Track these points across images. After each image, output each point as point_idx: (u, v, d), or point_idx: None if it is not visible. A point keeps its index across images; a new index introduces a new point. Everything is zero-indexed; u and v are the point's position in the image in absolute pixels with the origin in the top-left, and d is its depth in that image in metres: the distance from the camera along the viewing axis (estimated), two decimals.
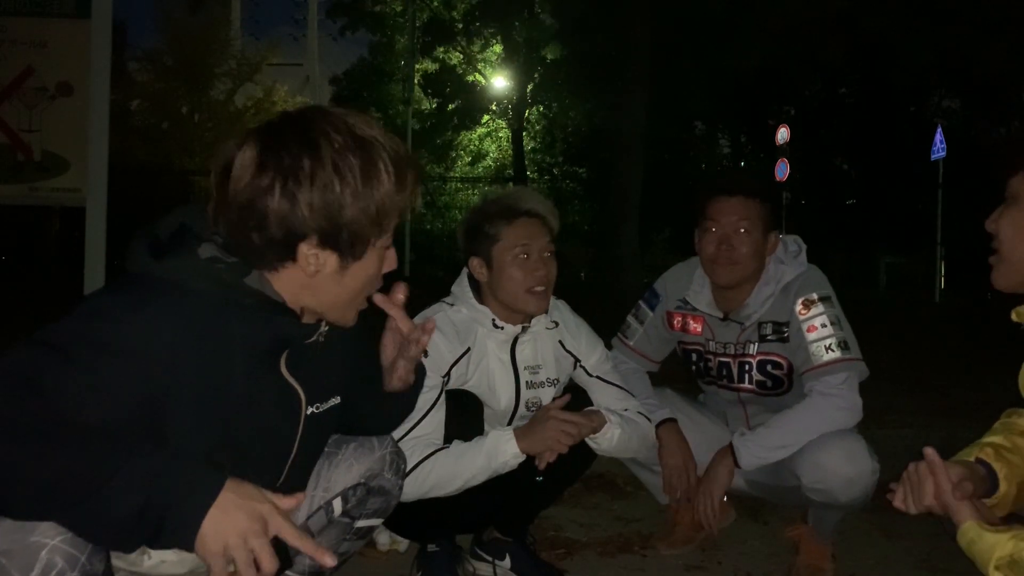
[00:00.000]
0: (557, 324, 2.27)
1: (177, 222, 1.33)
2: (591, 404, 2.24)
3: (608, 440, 2.13)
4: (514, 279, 2.12)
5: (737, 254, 2.30)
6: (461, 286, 2.23)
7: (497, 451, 1.99)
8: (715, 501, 2.29)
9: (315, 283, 1.32)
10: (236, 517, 1.10)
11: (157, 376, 1.19)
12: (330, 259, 1.30)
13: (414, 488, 1.91)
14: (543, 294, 2.14)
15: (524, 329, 2.20)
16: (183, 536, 1.09)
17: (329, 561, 1.16)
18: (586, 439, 2.10)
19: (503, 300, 2.15)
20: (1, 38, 4.66)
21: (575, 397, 2.19)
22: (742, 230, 2.30)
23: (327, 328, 1.40)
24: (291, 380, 1.38)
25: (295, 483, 1.18)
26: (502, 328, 2.17)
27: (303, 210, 1.24)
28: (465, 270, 2.24)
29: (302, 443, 1.44)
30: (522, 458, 2.01)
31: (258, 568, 1.11)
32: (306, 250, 1.28)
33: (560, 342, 2.28)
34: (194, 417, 1.25)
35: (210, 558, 1.09)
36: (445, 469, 1.97)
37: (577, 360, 2.30)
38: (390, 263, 1.39)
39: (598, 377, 2.31)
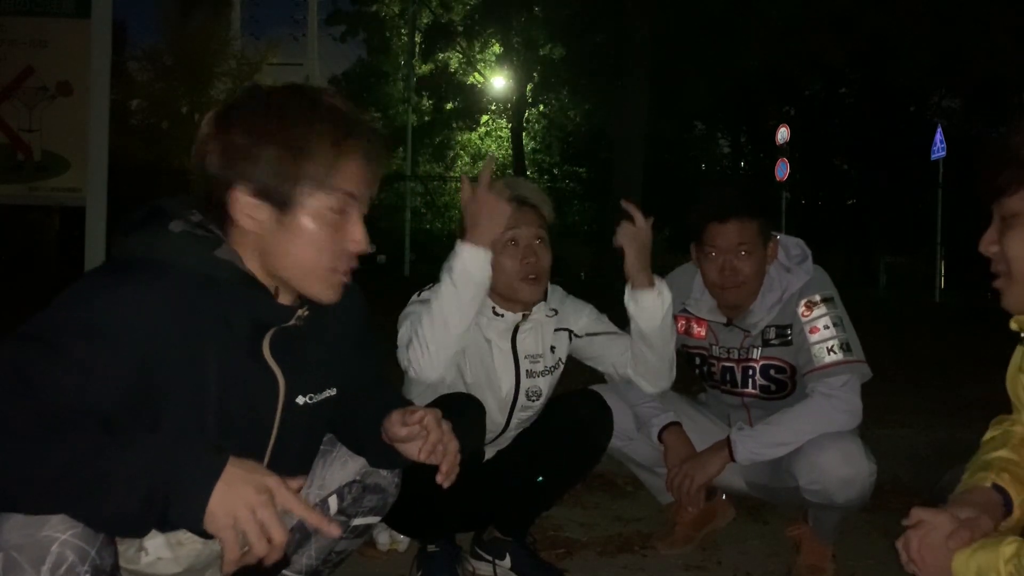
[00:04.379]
0: (556, 312, 2.28)
1: (150, 205, 1.34)
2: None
3: (653, 310, 2.13)
4: (506, 268, 2.12)
5: (742, 276, 2.29)
6: None
7: (461, 269, 1.96)
8: (694, 483, 2.28)
9: (265, 244, 1.32)
10: (243, 490, 1.10)
11: (139, 353, 1.20)
12: (264, 212, 1.29)
13: (427, 333, 1.97)
14: (536, 281, 2.15)
15: (525, 317, 2.20)
16: (191, 514, 1.09)
17: (335, 531, 1.17)
18: (627, 302, 2.13)
19: (499, 289, 2.15)
20: (1, 38, 4.66)
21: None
22: (743, 253, 2.28)
23: (307, 311, 1.39)
24: (272, 364, 1.37)
25: (282, 475, 1.18)
26: (502, 316, 2.18)
27: (231, 155, 1.27)
28: None
29: (282, 431, 1.42)
30: (485, 257, 1.95)
31: (269, 541, 1.11)
32: (237, 199, 1.28)
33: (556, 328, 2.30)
34: (180, 395, 1.25)
35: (220, 533, 1.10)
36: (431, 320, 1.98)
37: (570, 332, 2.31)
38: (355, 240, 1.35)
39: (592, 334, 2.31)
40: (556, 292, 2.32)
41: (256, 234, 1.31)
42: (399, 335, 2.08)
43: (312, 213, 1.30)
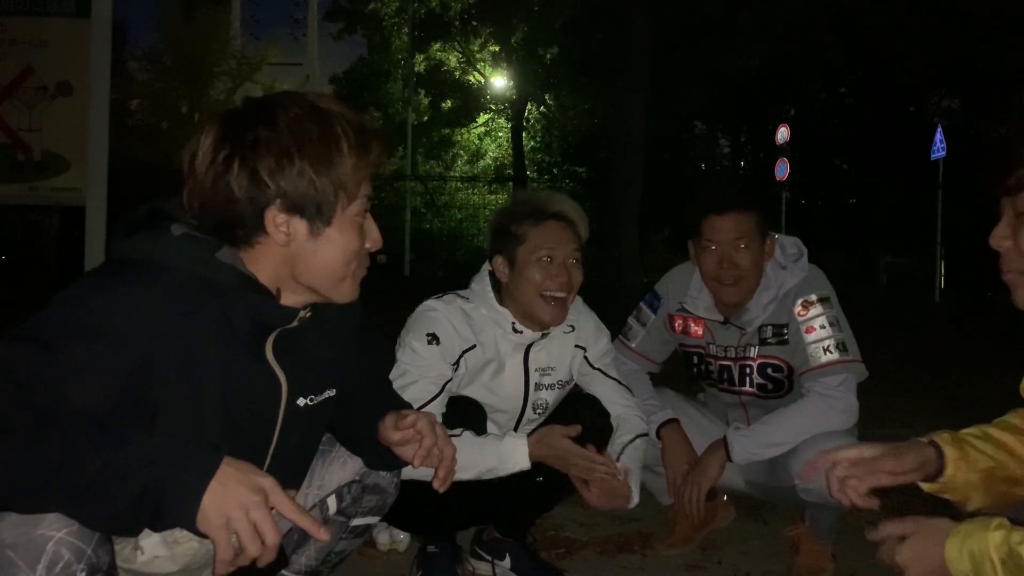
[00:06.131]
0: (574, 328, 2.26)
1: (150, 207, 1.34)
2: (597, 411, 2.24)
3: (634, 501, 2.16)
4: (532, 281, 2.09)
5: (741, 270, 2.29)
6: (482, 284, 2.20)
7: (509, 457, 1.98)
8: (701, 491, 2.28)
9: (292, 254, 1.32)
10: (237, 491, 1.10)
11: (136, 355, 1.20)
12: (299, 226, 1.31)
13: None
14: (561, 302, 2.11)
15: (543, 336, 2.19)
16: (184, 513, 1.09)
17: (323, 536, 1.17)
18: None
19: (519, 303, 2.13)
20: (1, 38, 4.66)
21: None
22: (742, 246, 2.28)
23: (309, 313, 1.39)
24: (275, 366, 1.37)
25: (282, 478, 1.18)
26: (521, 332, 2.16)
27: (264, 177, 1.26)
28: (486, 267, 2.21)
29: (284, 433, 1.42)
30: (528, 468, 2.00)
31: (262, 542, 1.11)
32: (273, 217, 1.29)
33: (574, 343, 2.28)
34: (178, 396, 1.25)
35: (213, 532, 1.10)
36: (460, 457, 1.97)
37: (583, 349, 2.29)
38: (373, 239, 1.39)
39: (599, 369, 2.31)
40: (576, 301, 2.28)
41: (287, 247, 1.32)
42: (394, 369, 2.06)
43: (343, 221, 1.33)
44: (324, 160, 1.29)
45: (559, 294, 2.10)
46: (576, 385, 2.34)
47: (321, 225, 1.31)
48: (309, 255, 1.33)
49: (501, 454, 1.98)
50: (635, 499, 2.15)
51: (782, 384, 2.39)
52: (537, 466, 2.16)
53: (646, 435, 2.30)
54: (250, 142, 1.27)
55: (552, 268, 2.09)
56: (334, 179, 1.30)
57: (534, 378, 2.21)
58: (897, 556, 1.33)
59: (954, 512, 1.44)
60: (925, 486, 1.47)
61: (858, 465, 1.43)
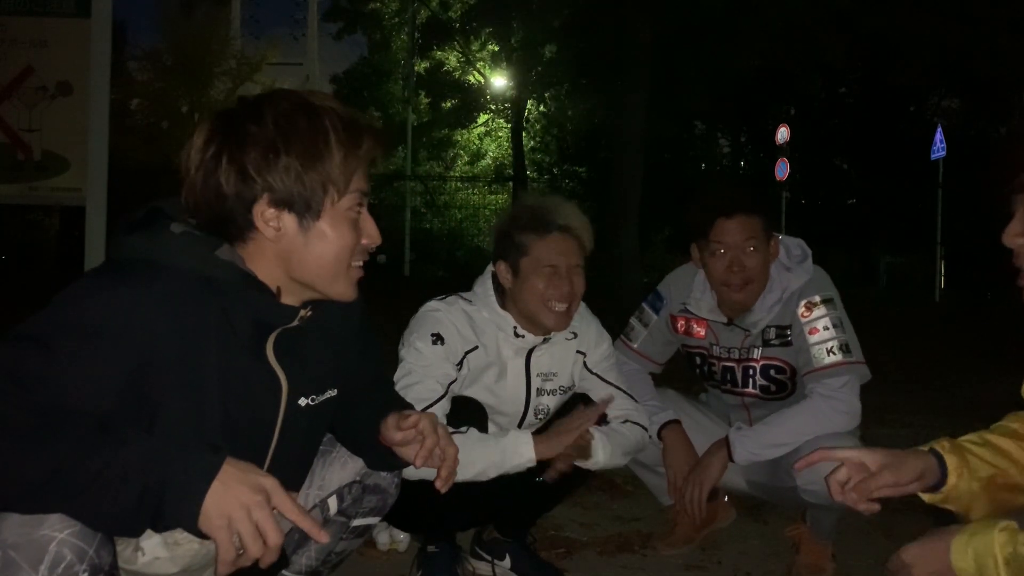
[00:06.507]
0: (576, 335, 2.26)
1: (150, 206, 1.34)
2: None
3: (595, 463, 2.11)
4: (535, 290, 2.09)
5: (751, 272, 2.28)
6: (484, 287, 2.21)
7: (514, 451, 1.97)
8: (703, 491, 2.28)
9: (284, 250, 1.32)
10: (239, 490, 1.10)
11: (136, 354, 1.20)
12: (289, 220, 1.31)
13: None
14: (564, 312, 2.11)
15: (545, 340, 2.19)
16: (186, 513, 1.09)
17: (323, 538, 1.17)
18: (576, 463, 2.09)
19: (522, 309, 2.14)
20: (1, 37, 4.66)
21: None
22: (751, 248, 2.28)
23: (310, 313, 1.39)
24: (275, 366, 1.37)
25: (282, 479, 1.17)
26: (523, 337, 2.16)
27: (251, 172, 1.27)
28: (489, 269, 2.21)
29: (284, 433, 1.42)
30: (534, 463, 1.99)
31: (264, 542, 1.11)
32: (261, 212, 1.29)
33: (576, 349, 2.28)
34: (178, 395, 1.25)
35: (215, 533, 1.09)
36: (464, 452, 1.96)
37: (584, 355, 2.29)
38: (370, 235, 1.38)
39: (597, 375, 2.30)
40: (579, 308, 2.27)
41: (278, 243, 1.31)
42: (399, 369, 2.07)
43: (333, 216, 1.32)
44: (311, 154, 1.28)
45: (561, 304, 2.10)
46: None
47: (310, 220, 1.31)
48: (301, 250, 1.32)
49: (505, 447, 1.97)
50: (599, 458, 2.10)
51: (785, 386, 2.39)
52: (537, 466, 2.16)
53: (642, 427, 2.29)
54: (238, 138, 1.28)
55: (556, 279, 2.10)
56: (322, 173, 1.29)
57: (536, 383, 2.21)
58: (903, 554, 1.32)
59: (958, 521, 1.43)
60: (927, 497, 1.46)
61: (859, 473, 1.41)
